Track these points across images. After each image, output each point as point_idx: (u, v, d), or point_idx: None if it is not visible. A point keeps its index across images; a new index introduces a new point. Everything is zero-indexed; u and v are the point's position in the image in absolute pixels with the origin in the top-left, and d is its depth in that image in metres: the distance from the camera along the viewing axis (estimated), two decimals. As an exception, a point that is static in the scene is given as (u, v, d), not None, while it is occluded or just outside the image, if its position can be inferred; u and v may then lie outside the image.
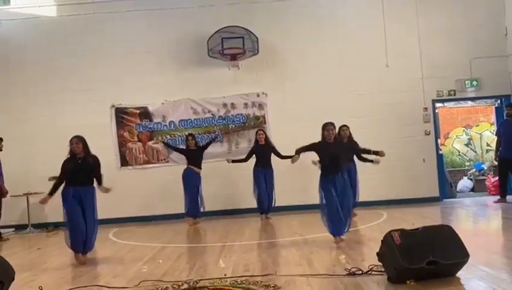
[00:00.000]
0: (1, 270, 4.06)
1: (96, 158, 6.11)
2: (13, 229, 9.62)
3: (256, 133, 9.10)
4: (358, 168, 8.45)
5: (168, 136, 10.11)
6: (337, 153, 6.10)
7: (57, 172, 6.07)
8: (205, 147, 9.19)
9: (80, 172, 5.92)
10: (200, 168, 9.00)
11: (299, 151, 6.20)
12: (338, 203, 5.93)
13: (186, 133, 9.55)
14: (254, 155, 8.96)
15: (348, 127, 8.21)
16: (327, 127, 6.10)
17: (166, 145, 9.74)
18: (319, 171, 6.16)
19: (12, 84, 10.16)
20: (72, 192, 5.88)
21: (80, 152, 5.95)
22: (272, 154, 8.91)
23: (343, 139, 7.79)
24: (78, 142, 5.97)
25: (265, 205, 8.91)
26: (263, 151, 8.91)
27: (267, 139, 9.02)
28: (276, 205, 9.10)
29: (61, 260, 6.13)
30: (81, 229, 5.82)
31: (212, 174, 9.44)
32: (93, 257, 6.18)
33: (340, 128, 7.97)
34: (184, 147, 9.35)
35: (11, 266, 4.33)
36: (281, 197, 9.13)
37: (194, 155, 9.01)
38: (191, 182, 8.88)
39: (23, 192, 9.31)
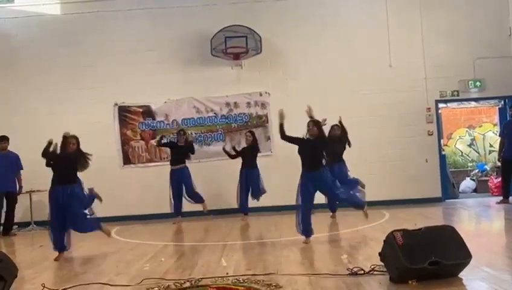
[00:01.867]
0: (4, 267, 4.08)
1: (77, 152, 6.20)
2: (16, 226, 9.64)
3: (246, 134, 9.28)
4: (359, 168, 8.46)
5: (171, 135, 10.12)
6: (316, 149, 6.25)
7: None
8: (190, 148, 9.24)
9: (60, 168, 6.12)
10: (183, 164, 9.11)
11: (287, 137, 6.43)
12: (312, 205, 6.23)
13: (179, 129, 9.65)
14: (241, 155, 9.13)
15: (339, 127, 8.26)
16: (307, 124, 6.35)
17: (162, 145, 9.50)
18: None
19: (16, 82, 10.18)
20: (56, 192, 6.08)
21: (71, 149, 6.14)
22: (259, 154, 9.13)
23: (333, 138, 7.86)
24: (73, 141, 6.16)
25: (245, 206, 9.02)
26: (247, 152, 9.05)
27: (253, 141, 9.11)
28: (278, 204, 9.12)
29: (64, 258, 6.14)
30: (58, 230, 6.06)
31: (214, 173, 9.45)
32: (95, 255, 6.20)
33: (331, 127, 8.06)
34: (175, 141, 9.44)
35: (14, 263, 4.36)
36: (282, 197, 9.10)
37: (180, 152, 9.14)
38: (178, 181, 9.09)
39: (26, 190, 9.34)
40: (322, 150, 6.35)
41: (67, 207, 6.07)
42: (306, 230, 6.17)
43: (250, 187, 9.00)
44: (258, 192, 9.03)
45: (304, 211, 6.17)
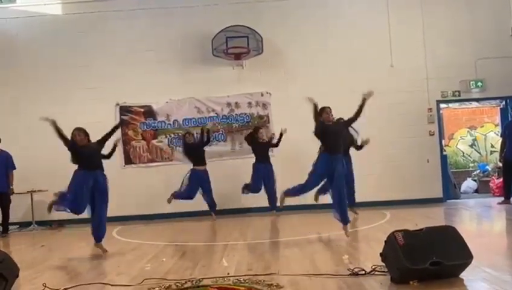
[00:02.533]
0: (5, 267, 4.08)
1: (95, 142, 6.36)
2: (17, 226, 9.66)
3: (258, 131, 9.38)
4: (360, 168, 8.44)
5: (172, 135, 10.12)
6: (338, 131, 6.44)
7: (61, 169, 6.15)
8: (206, 141, 9.35)
9: (90, 155, 6.16)
10: (205, 165, 9.27)
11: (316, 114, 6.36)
12: (317, 188, 6.31)
13: (183, 132, 9.67)
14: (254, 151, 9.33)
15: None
16: (326, 110, 6.44)
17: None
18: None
19: (17, 81, 10.19)
20: (86, 174, 6.08)
21: (83, 141, 6.20)
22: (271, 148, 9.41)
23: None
24: (80, 133, 6.21)
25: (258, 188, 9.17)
26: (262, 148, 9.26)
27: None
28: (278, 204, 9.09)
29: (65, 258, 6.15)
30: (78, 199, 6.03)
31: (215, 172, 9.44)
32: (96, 255, 6.20)
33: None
34: (183, 147, 9.48)
35: (15, 263, 4.36)
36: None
37: (200, 150, 9.24)
38: (198, 183, 9.17)
39: (27, 189, 9.34)
40: (343, 135, 6.56)
41: (96, 193, 6.12)
42: (294, 194, 6.33)
43: (263, 181, 9.16)
44: (272, 192, 9.09)
45: (305, 187, 6.26)
